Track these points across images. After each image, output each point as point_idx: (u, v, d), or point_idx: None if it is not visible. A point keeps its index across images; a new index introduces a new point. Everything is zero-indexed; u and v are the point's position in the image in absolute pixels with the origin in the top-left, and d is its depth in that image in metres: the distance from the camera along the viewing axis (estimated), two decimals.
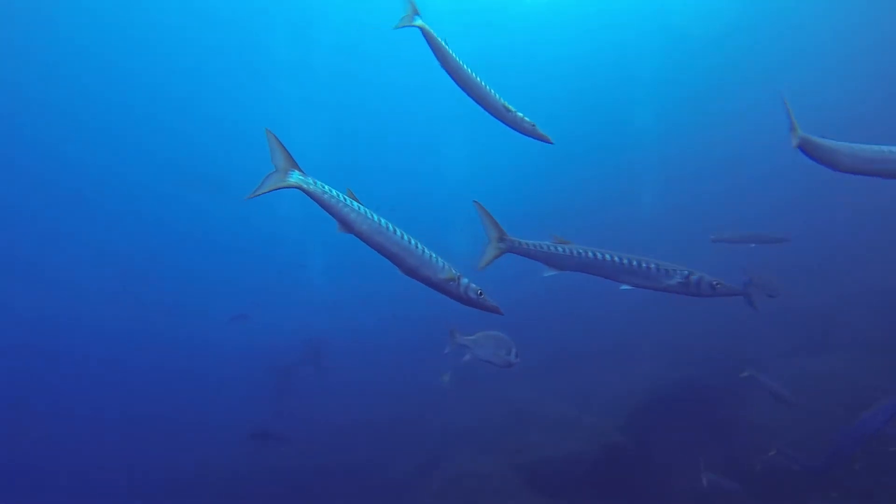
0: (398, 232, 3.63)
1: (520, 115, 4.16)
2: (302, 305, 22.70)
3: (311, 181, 3.62)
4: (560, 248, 3.99)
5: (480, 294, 3.64)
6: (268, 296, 25.67)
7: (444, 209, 32.84)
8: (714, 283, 3.81)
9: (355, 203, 3.65)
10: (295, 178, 3.59)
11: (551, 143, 4.19)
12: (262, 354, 17.91)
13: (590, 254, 3.99)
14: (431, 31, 4.21)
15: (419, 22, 4.18)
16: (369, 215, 3.64)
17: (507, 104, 4.16)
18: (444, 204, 33.11)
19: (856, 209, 16.00)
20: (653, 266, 3.92)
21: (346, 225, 3.63)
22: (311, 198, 3.62)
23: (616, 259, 3.97)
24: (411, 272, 3.64)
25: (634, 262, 3.94)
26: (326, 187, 3.64)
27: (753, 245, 8.34)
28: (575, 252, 4.00)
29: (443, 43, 4.18)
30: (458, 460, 10.74)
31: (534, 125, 4.19)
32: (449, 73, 4.20)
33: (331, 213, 3.63)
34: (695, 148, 27.41)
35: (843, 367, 9.46)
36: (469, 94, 4.21)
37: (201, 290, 29.20)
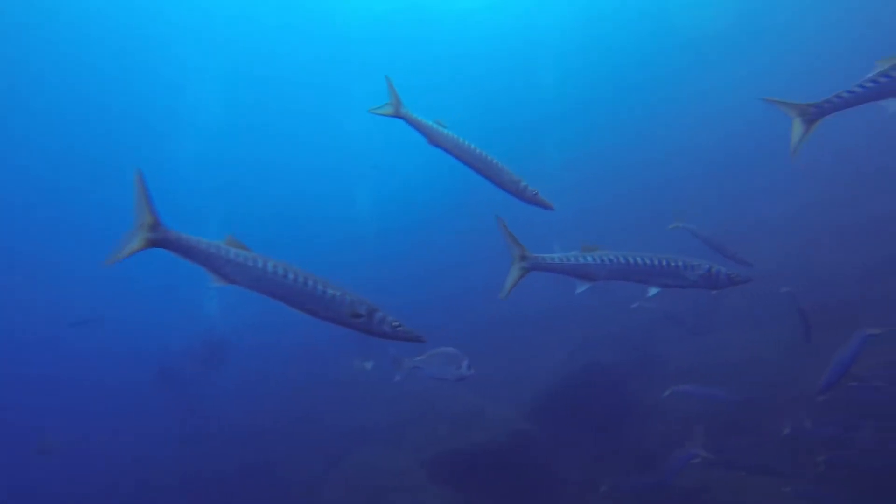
0: (290, 274, 3.32)
1: (523, 183, 4.21)
2: (198, 303, 21.02)
3: (173, 236, 3.26)
4: (590, 258, 3.79)
5: (398, 326, 3.42)
6: (156, 293, 23.56)
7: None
8: (731, 274, 3.89)
9: (231, 251, 3.31)
10: (157, 234, 3.22)
11: (552, 209, 4.22)
12: (150, 358, 16.32)
13: (621, 259, 3.85)
14: (419, 118, 4.15)
15: (404, 111, 4.13)
16: (251, 262, 3.31)
17: (513, 174, 4.17)
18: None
19: (745, 194, 17.26)
20: (680, 263, 3.85)
21: (226, 278, 3.32)
22: (179, 255, 3.27)
23: (647, 261, 3.83)
24: (313, 315, 3.41)
25: (664, 262, 3.83)
26: (194, 240, 3.29)
27: (709, 248, 8.26)
28: (606, 259, 3.82)
29: (433, 124, 4.15)
30: (364, 457, 10.43)
31: (536, 192, 4.22)
32: (447, 151, 4.20)
33: (205, 268, 3.31)
34: (598, 154, 28.23)
35: (727, 345, 10.07)
36: (471, 166, 4.21)
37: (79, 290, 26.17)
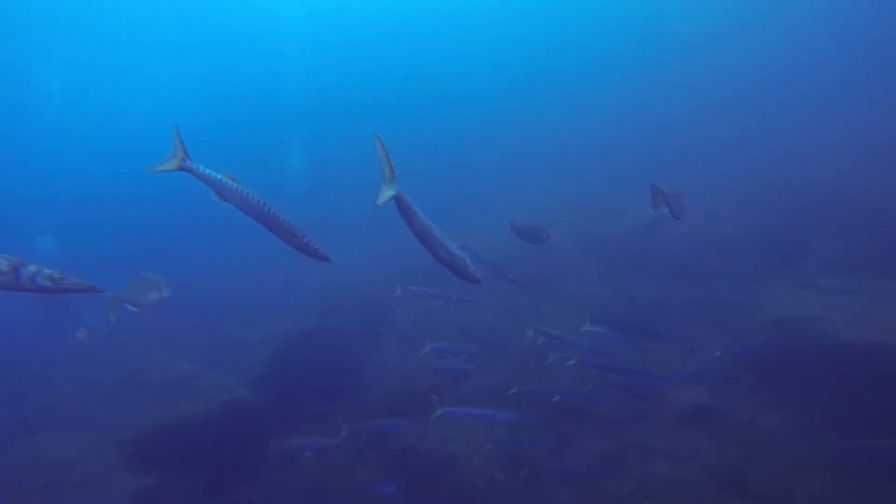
0: None
1: (305, 239, 4.33)
2: None
3: None
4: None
5: (60, 278, 3.31)
6: None
7: None
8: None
9: None
10: None
11: (330, 262, 4.38)
12: None
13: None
14: (205, 171, 4.07)
15: (187, 165, 4.02)
16: None
17: (295, 229, 4.28)
18: None
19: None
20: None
21: None
22: None
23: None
24: None
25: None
26: None
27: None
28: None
29: (221, 178, 4.09)
30: (37, 442, 8.47)
31: (317, 248, 4.34)
32: (235, 206, 4.16)
33: None
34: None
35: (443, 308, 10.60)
36: (258, 221, 4.24)
37: None
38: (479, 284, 4.67)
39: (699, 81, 20.32)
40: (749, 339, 8.12)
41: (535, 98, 26.38)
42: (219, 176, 4.11)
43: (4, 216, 20.36)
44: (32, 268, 3.22)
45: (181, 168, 4.05)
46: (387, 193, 4.04)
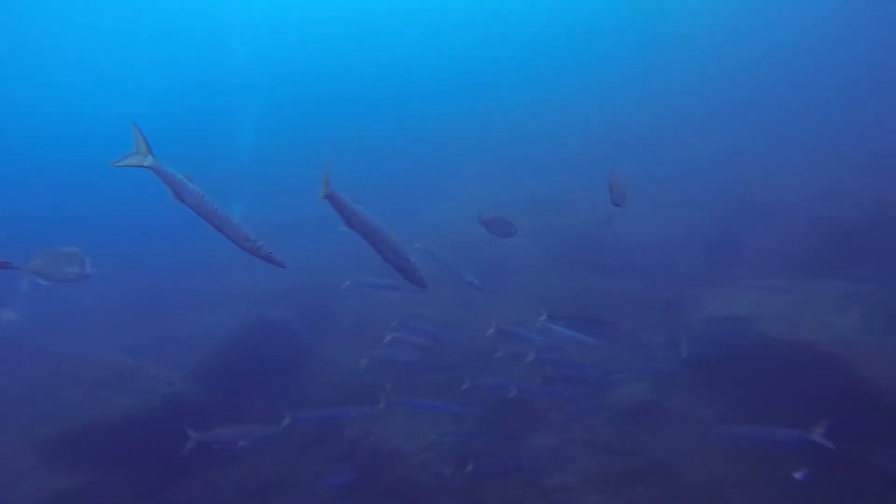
0: None
1: (259, 243, 4.34)
2: None
3: None
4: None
5: None
6: None
7: None
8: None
9: None
10: None
11: (284, 267, 4.41)
12: None
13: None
14: (166, 168, 4.06)
15: (150, 161, 4.02)
16: None
17: (247, 233, 4.29)
18: None
19: None
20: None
21: None
22: None
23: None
24: None
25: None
26: None
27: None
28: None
29: (181, 177, 4.10)
30: None
31: (270, 253, 4.35)
32: (190, 207, 4.17)
33: None
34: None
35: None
36: (211, 224, 4.25)
37: None
38: (424, 288, 4.71)
39: (669, 92, 21.05)
40: (690, 337, 8.39)
41: (505, 99, 26.57)
42: (179, 176, 4.08)
43: None
44: None
45: (142, 165, 3.99)
46: (321, 192, 4.15)
